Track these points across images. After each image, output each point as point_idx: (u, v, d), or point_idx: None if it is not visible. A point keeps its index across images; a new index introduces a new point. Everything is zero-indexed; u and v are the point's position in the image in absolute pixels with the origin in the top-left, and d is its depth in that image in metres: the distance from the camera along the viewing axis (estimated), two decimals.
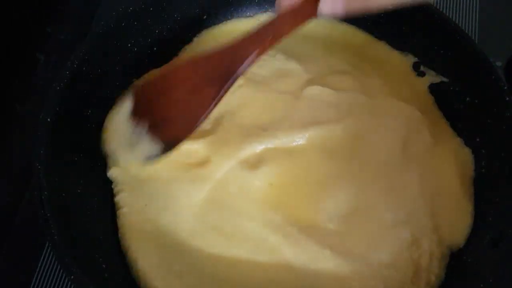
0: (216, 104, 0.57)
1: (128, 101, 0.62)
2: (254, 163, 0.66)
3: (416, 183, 0.66)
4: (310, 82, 0.72)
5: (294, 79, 0.73)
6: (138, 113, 0.61)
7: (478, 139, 0.69)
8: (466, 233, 0.64)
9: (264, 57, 0.57)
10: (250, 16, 0.81)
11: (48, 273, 0.70)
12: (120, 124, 0.62)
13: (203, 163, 0.66)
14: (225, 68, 0.56)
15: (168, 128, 0.59)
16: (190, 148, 0.67)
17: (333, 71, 0.74)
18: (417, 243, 0.62)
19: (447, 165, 0.68)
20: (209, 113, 0.57)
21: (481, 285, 0.56)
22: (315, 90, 0.71)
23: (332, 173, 0.66)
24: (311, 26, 0.77)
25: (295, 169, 0.66)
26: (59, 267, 0.70)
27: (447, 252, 0.64)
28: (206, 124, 0.68)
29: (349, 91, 0.72)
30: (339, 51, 0.77)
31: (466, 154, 0.69)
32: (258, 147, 0.67)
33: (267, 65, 0.74)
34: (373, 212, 0.64)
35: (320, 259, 0.61)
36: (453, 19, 0.86)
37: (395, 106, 0.72)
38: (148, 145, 0.60)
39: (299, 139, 0.68)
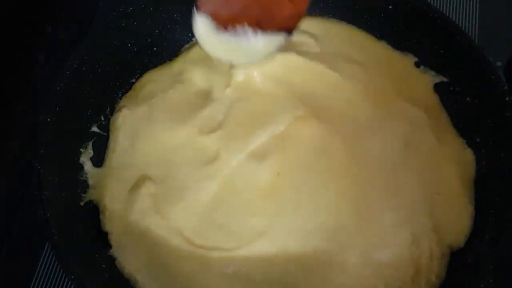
0: None
1: (202, 17, 0.63)
2: (261, 154, 0.66)
3: (417, 183, 0.66)
4: (320, 58, 0.73)
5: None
6: (225, 21, 0.62)
7: (478, 139, 0.69)
8: (466, 233, 0.64)
9: None
10: None
11: (48, 273, 0.70)
12: (209, 38, 0.63)
13: (213, 159, 0.67)
14: None
15: (277, 12, 0.61)
16: (203, 143, 0.68)
17: (346, 59, 0.75)
18: (417, 243, 0.62)
19: (448, 166, 0.68)
20: None
21: (481, 285, 0.56)
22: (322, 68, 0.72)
23: (331, 172, 0.66)
24: (312, 28, 0.79)
25: (298, 159, 0.66)
26: (59, 267, 0.70)
27: (447, 251, 0.64)
28: (218, 114, 0.69)
29: (358, 83, 0.72)
30: (344, 46, 0.77)
31: (468, 155, 0.69)
32: (264, 136, 0.67)
33: None
34: (373, 211, 0.64)
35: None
36: (453, 19, 0.86)
37: (399, 107, 0.71)
38: (260, 41, 0.62)
39: (302, 129, 0.68)
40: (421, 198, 0.65)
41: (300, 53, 0.73)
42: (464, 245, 0.64)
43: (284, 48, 0.70)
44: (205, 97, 0.71)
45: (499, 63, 0.82)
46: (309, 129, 0.68)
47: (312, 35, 0.76)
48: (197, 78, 0.73)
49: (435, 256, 0.62)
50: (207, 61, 0.71)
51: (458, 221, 0.65)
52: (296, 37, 0.74)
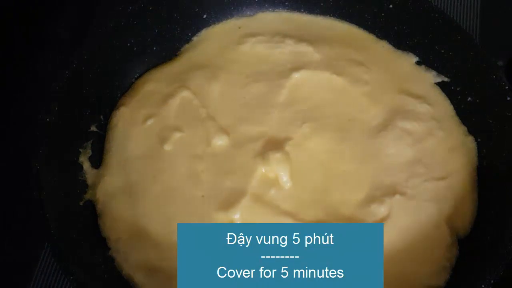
0: None
1: None
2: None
3: (425, 172, 0.66)
4: (323, 65, 0.74)
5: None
6: None
7: (479, 139, 0.69)
8: (471, 219, 0.65)
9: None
10: (250, 15, 0.80)
11: (47, 273, 0.70)
12: None
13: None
14: None
15: None
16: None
17: (348, 60, 0.75)
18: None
19: (454, 153, 0.68)
20: None
21: (482, 286, 0.56)
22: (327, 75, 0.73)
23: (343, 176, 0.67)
24: (312, 28, 0.79)
25: (307, 173, 0.67)
26: (58, 267, 0.69)
27: (455, 238, 0.64)
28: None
29: (363, 85, 0.73)
30: (345, 47, 0.77)
31: (470, 141, 0.69)
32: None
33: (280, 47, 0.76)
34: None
35: None
36: (455, 19, 0.86)
37: (403, 102, 0.72)
38: None
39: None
40: (430, 186, 0.66)
41: (303, 64, 0.74)
42: (464, 245, 0.64)
43: (290, 68, 0.73)
44: None
45: (500, 63, 0.82)
46: (318, 143, 0.68)
47: (310, 43, 0.76)
48: None
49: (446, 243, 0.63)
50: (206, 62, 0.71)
51: (464, 206, 0.65)
52: (295, 47, 0.75)
